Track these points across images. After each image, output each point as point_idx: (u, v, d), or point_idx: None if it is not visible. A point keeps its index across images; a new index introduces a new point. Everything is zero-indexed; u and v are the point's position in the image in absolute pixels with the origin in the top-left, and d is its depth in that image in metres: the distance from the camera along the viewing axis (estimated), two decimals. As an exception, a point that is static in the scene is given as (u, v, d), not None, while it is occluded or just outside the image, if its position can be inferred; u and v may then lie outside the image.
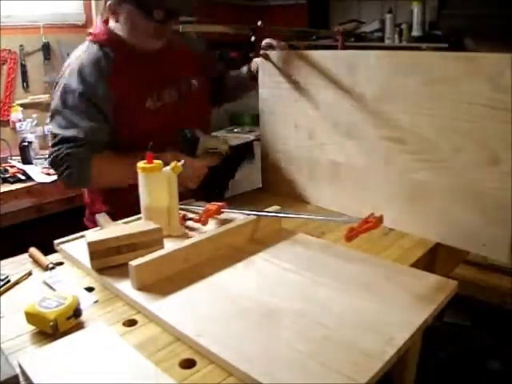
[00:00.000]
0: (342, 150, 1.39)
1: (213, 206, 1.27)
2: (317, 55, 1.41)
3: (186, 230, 1.24)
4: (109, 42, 1.38)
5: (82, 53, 1.39)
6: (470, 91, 1.09)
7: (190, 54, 1.54)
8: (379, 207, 1.19)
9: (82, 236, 1.18)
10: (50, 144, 1.36)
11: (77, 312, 0.86)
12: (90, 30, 1.45)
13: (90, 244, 1.02)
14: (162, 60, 1.42)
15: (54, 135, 1.33)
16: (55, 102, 1.35)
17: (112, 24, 1.39)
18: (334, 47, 3.44)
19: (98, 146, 1.33)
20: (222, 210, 1.27)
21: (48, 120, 1.39)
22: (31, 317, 0.85)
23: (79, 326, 0.85)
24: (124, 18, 1.35)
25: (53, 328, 0.81)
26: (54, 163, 1.32)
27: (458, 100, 1.11)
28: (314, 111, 1.44)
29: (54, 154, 1.31)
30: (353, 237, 0.99)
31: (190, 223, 1.27)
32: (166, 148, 1.32)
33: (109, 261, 1.03)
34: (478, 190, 1.12)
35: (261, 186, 1.69)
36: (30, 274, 1.06)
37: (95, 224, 1.30)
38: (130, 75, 1.37)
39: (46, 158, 2.43)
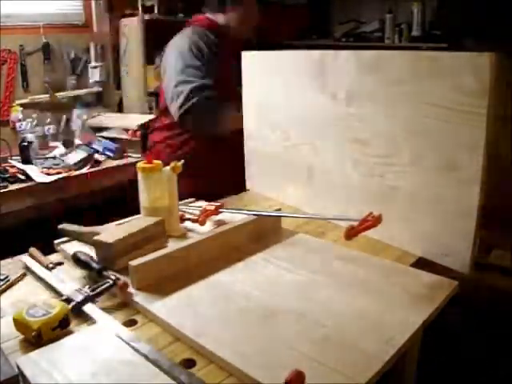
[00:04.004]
0: (314, 151, 1.38)
1: (211, 206, 1.27)
2: (290, 55, 1.39)
3: (186, 231, 1.24)
4: (211, 27, 1.75)
5: (189, 33, 1.72)
6: (431, 92, 1.04)
7: None
8: (346, 210, 1.20)
9: (82, 236, 1.18)
10: (179, 101, 1.62)
11: (63, 322, 0.83)
12: (189, 19, 1.85)
13: (113, 244, 1.02)
14: (236, 44, 1.75)
15: (188, 90, 1.60)
16: (177, 72, 1.64)
17: (218, 17, 1.77)
18: (336, 47, 3.44)
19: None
20: (220, 210, 1.27)
21: (177, 86, 1.63)
22: (18, 324, 0.83)
23: (67, 334, 0.83)
24: (238, 11, 1.74)
25: (35, 338, 0.79)
26: (193, 111, 1.61)
27: (419, 101, 1.07)
28: (289, 112, 1.43)
29: (192, 102, 1.59)
30: (352, 235, 1.00)
31: (187, 223, 1.27)
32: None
33: (130, 258, 1.01)
34: (439, 198, 1.07)
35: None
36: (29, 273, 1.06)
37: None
38: (226, 55, 1.73)
39: (46, 158, 2.43)
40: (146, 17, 2.90)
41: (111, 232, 1.09)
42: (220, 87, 1.65)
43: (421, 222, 1.13)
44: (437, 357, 1.75)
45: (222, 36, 1.75)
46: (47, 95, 2.70)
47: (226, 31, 1.77)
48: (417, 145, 1.10)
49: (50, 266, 1.06)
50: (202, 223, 1.23)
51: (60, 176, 2.23)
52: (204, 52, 1.66)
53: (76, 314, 0.88)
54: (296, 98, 1.39)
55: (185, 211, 1.32)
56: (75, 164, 2.36)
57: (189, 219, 1.28)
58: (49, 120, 2.72)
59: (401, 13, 3.10)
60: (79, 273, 1.06)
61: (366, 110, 1.20)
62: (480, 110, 0.97)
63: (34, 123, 2.62)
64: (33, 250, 1.13)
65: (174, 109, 1.65)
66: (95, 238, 1.06)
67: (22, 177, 2.19)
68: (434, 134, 1.06)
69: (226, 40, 1.76)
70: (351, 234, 1.00)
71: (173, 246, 1.08)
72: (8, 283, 1.01)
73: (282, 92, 1.43)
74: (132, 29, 2.94)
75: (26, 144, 2.37)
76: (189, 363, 0.77)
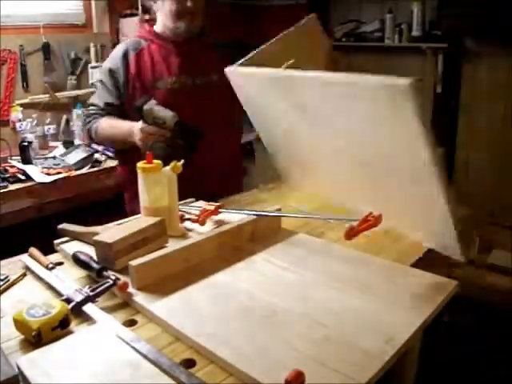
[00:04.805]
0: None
1: (210, 206, 1.27)
2: (262, 78, 1.37)
3: (186, 231, 1.24)
4: (145, 35, 1.68)
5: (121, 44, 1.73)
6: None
7: (218, 55, 1.66)
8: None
9: (82, 236, 1.18)
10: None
11: (63, 322, 0.83)
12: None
13: (113, 244, 1.02)
14: (185, 51, 1.63)
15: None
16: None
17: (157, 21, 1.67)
18: (336, 47, 3.44)
19: (112, 115, 1.63)
20: (220, 210, 1.27)
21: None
22: (18, 324, 0.83)
23: (67, 334, 0.83)
24: (155, 10, 1.64)
25: (35, 338, 0.79)
26: (86, 118, 1.72)
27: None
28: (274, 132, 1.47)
29: (86, 113, 1.73)
30: (353, 235, 1.00)
31: (187, 223, 1.27)
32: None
33: (129, 258, 1.01)
34: (414, 197, 1.10)
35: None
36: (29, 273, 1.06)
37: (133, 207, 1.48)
38: (150, 60, 1.62)
39: (45, 158, 2.44)
40: (146, 17, 2.90)
41: (111, 232, 1.09)
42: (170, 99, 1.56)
43: (413, 213, 1.15)
44: (437, 357, 1.75)
45: (165, 42, 1.64)
46: (47, 95, 2.70)
47: (166, 35, 1.64)
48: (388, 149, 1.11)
49: (50, 266, 1.06)
50: (202, 223, 1.23)
51: (60, 176, 2.23)
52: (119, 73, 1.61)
53: (76, 313, 0.88)
54: (275, 117, 1.43)
55: (185, 211, 1.32)
56: (75, 164, 2.36)
57: (189, 219, 1.28)
58: (49, 120, 2.72)
59: (401, 13, 3.10)
60: (79, 273, 1.06)
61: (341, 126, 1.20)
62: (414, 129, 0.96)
63: (34, 123, 2.62)
64: (33, 249, 1.13)
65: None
66: (95, 238, 1.06)
67: (22, 177, 2.19)
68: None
69: (159, 46, 1.64)
70: (351, 234, 1.01)
71: (173, 245, 1.07)
72: (8, 283, 1.01)
73: (266, 113, 1.45)
74: (132, 29, 2.94)
75: (26, 144, 2.37)
76: (189, 363, 0.77)
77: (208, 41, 1.68)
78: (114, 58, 1.64)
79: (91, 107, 1.68)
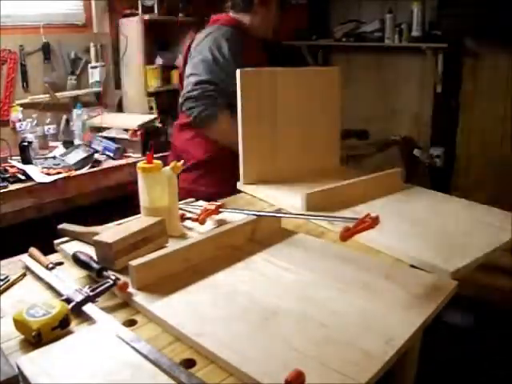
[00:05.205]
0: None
1: (211, 205, 1.27)
2: None
3: (186, 230, 1.24)
4: (238, 26, 1.78)
5: (218, 30, 1.75)
6: None
7: None
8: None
9: (82, 236, 1.18)
10: (186, 89, 1.66)
11: (63, 322, 0.83)
12: (214, 17, 1.84)
13: (113, 244, 1.02)
14: (261, 46, 1.88)
15: (196, 79, 1.64)
16: (203, 57, 1.67)
17: (240, 16, 1.81)
18: (336, 47, 3.44)
19: (223, 102, 1.65)
20: (221, 209, 1.27)
21: (193, 71, 1.68)
22: (18, 324, 0.83)
23: (67, 334, 0.83)
24: (263, 12, 1.82)
25: (35, 338, 0.79)
26: (190, 100, 1.65)
27: None
28: None
29: (194, 93, 1.63)
30: (348, 236, 0.99)
31: (188, 223, 1.27)
32: None
33: (129, 258, 1.01)
34: None
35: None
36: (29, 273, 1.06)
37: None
38: (251, 55, 1.75)
39: (46, 158, 2.43)
40: (146, 17, 2.91)
41: (111, 232, 1.09)
42: None
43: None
44: (437, 357, 1.75)
45: (247, 35, 1.82)
46: (47, 95, 2.70)
47: (250, 31, 1.83)
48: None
49: (50, 266, 1.06)
50: (202, 222, 1.23)
51: (60, 176, 2.24)
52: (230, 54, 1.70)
53: (76, 313, 0.88)
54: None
55: (185, 210, 1.32)
56: (75, 164, 2.36)
57: (189, 218, 1.28)
58: (49, 120, 2.72)
59: (401, 13, 3.10)
60: (79, 273, 1.06)
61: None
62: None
63: (34, 123, 2.62)
64: (33, 249, 1.13)
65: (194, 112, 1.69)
66: (95, 238, 1.06)
67: (22, 177, 2.19)
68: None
69: (250, 39, 1.82)
70: (346, 235, 0.99)
71: (173, 245, 1.07)
72: (8, 283, 1.01)
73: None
74: (132, 29, 2.95)
75: (26, 144, 2.37)
76: (189, 363, 0.77)
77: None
78: (231, 45, 1.71)
79: (201, 86, 1.65)
